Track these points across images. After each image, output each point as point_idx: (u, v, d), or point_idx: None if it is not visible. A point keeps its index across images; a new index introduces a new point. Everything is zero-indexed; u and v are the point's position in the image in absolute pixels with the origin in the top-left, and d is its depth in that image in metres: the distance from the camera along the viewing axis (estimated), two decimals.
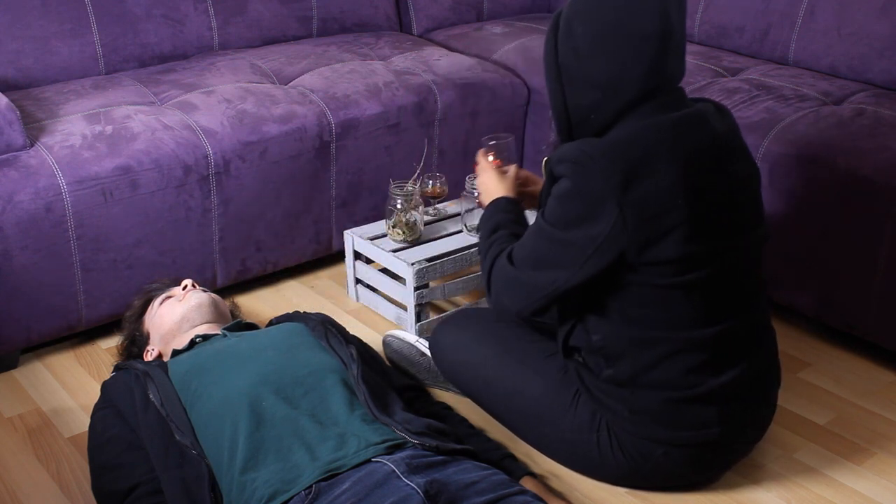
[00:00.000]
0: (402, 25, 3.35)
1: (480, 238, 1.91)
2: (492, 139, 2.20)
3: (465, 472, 1.60)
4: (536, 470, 1.91)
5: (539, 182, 2.09)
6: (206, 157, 2.36)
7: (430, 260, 2.36)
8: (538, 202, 2.14)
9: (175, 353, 1.98)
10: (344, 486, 1.55)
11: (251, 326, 2.10)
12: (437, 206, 2.60)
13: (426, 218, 2.54)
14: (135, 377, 1.86)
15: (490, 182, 2.01)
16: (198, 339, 1.99)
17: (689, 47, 2.99)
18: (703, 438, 1.76)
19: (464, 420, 1.98)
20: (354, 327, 2.39)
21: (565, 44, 1.66)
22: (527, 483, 1.80)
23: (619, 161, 1.60)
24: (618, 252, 1.63)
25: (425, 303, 2.37)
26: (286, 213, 2.55)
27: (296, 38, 3.08)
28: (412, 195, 2.41)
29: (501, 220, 1.89)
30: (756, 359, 1.81)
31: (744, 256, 1.75)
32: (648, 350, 1.72)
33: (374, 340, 2.29)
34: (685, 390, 1.73)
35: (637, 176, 1.60)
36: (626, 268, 1.66)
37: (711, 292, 1.70)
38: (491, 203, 1.96)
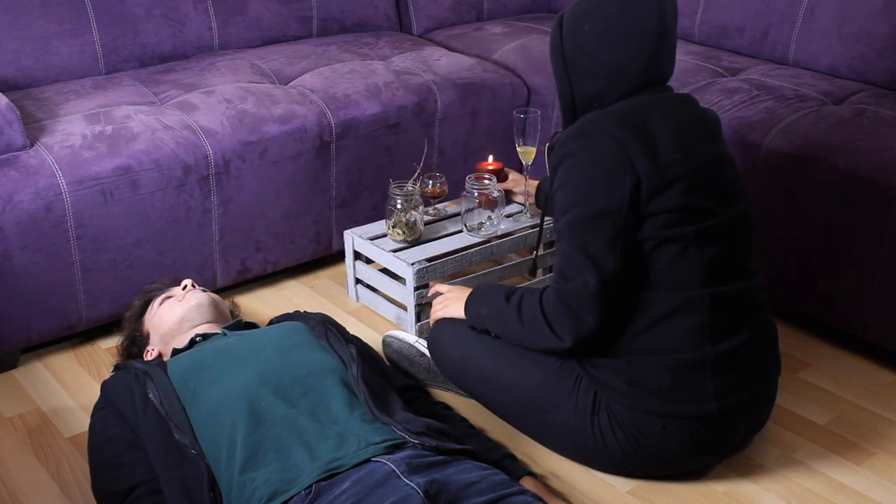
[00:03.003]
0: (402, 25, 3.35)
1: (494, 318, 1.91)
2: (521, 112, 2.40)
3: (465, 472, 1.60)
4: (536, 470, 1.92)
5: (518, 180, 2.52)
6: (206, 157, 2.36)
7: (430, 260, 2.36)
8: (536, 196, 2.48)
9: (175, 352, 1.98)
10: (344, 486, 1.55)
11: (251, 326, 2.10)
12: (437, 206, 2.60)
13: (426, 218, 2.54)
14: (134, 377, 1.86)
15: (452, 297, 2.05)
16: (198, 339, 1.99)
17: (690, 47, 3.00)
18: (701, 412, 1.78)
19: (464, 420, 1.98)
20: (354, 327, 2.39)
21: (572, 40, 1.82)
22: (527, 483, 1.80)
23: (622, 123, 1.75)
24: (638, 205, 1.73)
25: (425, 303, 2.37)
26: (286, 213, 2.55)
27: (296, 38, 3.08)
28: (412, 195, 2.41)
29: (499, 290, 1.92)
30: (753, 336, 1.83)
31: (734, 229, 1.82)
32: (646, 310, 1.77)
33: (374, 340, 2.29)
34: (682, 354, 1.76)
35: (639, 134, 1.74)
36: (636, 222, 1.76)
37: (705, 253, 1.77)
38: (469, 299, 1.98)
